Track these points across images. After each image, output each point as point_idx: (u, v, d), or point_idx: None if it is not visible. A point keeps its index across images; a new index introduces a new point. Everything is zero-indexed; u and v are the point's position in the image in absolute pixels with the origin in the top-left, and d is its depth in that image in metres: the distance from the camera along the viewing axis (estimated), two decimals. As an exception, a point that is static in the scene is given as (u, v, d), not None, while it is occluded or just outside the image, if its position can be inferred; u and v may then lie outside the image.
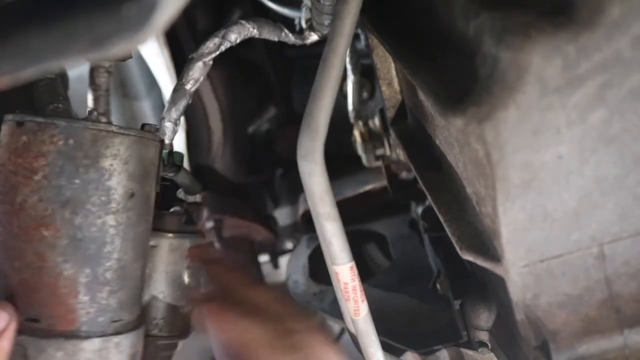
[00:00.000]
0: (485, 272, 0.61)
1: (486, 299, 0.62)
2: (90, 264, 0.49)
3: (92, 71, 0.61)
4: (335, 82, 0.48)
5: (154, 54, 1.08)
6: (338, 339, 1.60)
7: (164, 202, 0.63)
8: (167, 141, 0.63)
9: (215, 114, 1.23)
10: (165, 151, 0.63)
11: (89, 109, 0.54)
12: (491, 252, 0.47)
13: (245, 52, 1.27)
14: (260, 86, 1.31)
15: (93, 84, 0.88)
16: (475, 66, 0.42)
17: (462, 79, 0.44)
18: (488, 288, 0.62)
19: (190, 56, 0.62)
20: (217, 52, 0.62)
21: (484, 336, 0.63)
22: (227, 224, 1.22)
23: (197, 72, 0.61)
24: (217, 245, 1.20)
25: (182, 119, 1.27)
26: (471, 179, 0.47)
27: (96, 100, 0.83)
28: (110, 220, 0.50)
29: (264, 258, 1.39)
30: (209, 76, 1.19)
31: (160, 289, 0.60)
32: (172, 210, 0.64)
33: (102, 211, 0.49)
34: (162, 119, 0.63)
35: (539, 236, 0.43)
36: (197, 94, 1.20)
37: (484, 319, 0.62)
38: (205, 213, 1.20)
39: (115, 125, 0.51)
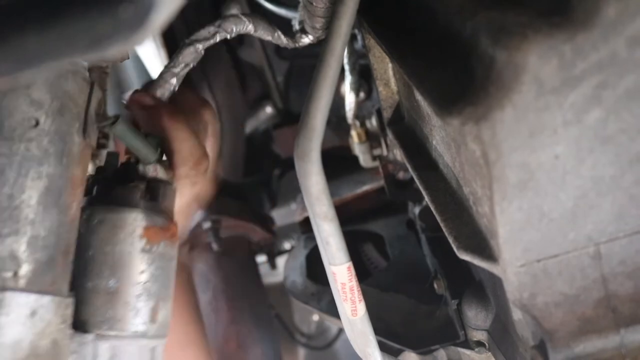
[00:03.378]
0: (482, 272, 0.61)
1: (483, 298, 0.62)
2: None
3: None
4: (332, 81, 0.48)
5: (151, 55, 1.08)
6: (335, 339, 1.60)
7: (126, 180, 0.57)
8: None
9: (212, 115, 1.22)
10: (134, 138, 0.57)
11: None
12: (488, 251, 0.47)
13: (242, 52, 1.27)
14: (258, 86, 1.31)
15: (90, 84, 0.87)
16: (472, 66, 0.42)
17: (459, 79, 0.44)
18: (485, 288, 0.62)
19: (183, 41, 0.61)
20: (212, 41, 0.60)
21: (481, 336, 0.63)
22: (225, 224, 1.22)
23: (188, 56, 0.60)
24: (214, 246, 1.20)
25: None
26: (468, 179, 0.48)
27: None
28: (1, 146, 0.44)
29: (261, 258, 1.39)
30: (206, 76, 1.19)
31: (104, 274, 0.52)
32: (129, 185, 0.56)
33: None
34: None
35: (536, 236, 0.43)
36: (194, 95, 1.20)
37: (481, 318, 0.62)
38: (200, 214, 1.19)
39: None
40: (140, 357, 0.54)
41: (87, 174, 0.53)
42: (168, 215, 0.58)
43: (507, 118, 0.39)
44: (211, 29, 0.60)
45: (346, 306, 0.54)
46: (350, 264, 0.52)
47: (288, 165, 1.32)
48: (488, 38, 0.40)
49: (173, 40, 1.14)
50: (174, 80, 0.60)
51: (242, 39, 1.28)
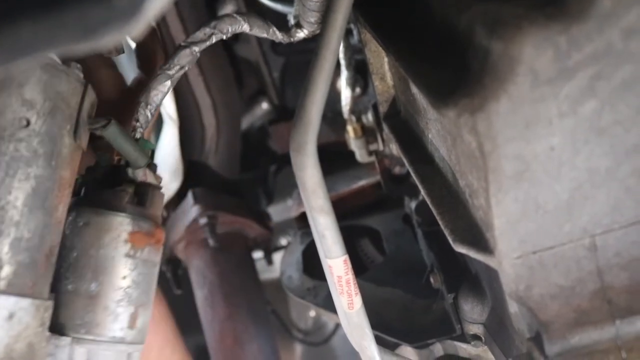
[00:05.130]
0: (478, 265, 0.61)
1: (479, 292, 0.62)
2: None
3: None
4: (328, 74, 0.48)
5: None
6: (332, 335, 1.61)
7: (115, 182, 0.56)
8: (139, 128, 0.58)
9: (208, 111, 1.23)
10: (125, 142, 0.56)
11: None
12: (484, 244, 0.47)
13: (238, 48, 1.27)
14: (254, 82, 1.31)
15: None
16: (468, 58, 0.42)
17: (455, 71, 0.44)
18: (481, 281, 0.62)
19: (178, 43, 0.61)
20: (208, 43, 0.60)
21: (477, 329, 0.63)
22: (221, 220, 1.22)
23: (184, 59, 0.60)
24: (211, 242, 1.20)
25: (175, 115, 1.27)
26: (464, 171, 0.48)
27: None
28: None
29: (258, 254, 1.39)
30: (202, 72, 1.19)
31: (86, 277, 0.52)
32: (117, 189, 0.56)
33: None
34: (138, 104, 0.59)
35: (531, 228, 0.43)
36: (190, 90, 1.20)
37: (478, 312, 0.62)
38: (196, 210, 1.19)
39: None
40: None
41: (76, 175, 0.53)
42: (154, 221, 0.57)
43: (503, 109, 0.39)
44: (207, 30, 0.60)
45: (342, 299, 0.54)
46: (346, 256, 0.52)
47: (284, 161, 1.32)
48: (483, 30, 0.40)
49: (169, 37, 1.14)
50: (168, 83, 0.60)
51: (237, 35, 1.28)
